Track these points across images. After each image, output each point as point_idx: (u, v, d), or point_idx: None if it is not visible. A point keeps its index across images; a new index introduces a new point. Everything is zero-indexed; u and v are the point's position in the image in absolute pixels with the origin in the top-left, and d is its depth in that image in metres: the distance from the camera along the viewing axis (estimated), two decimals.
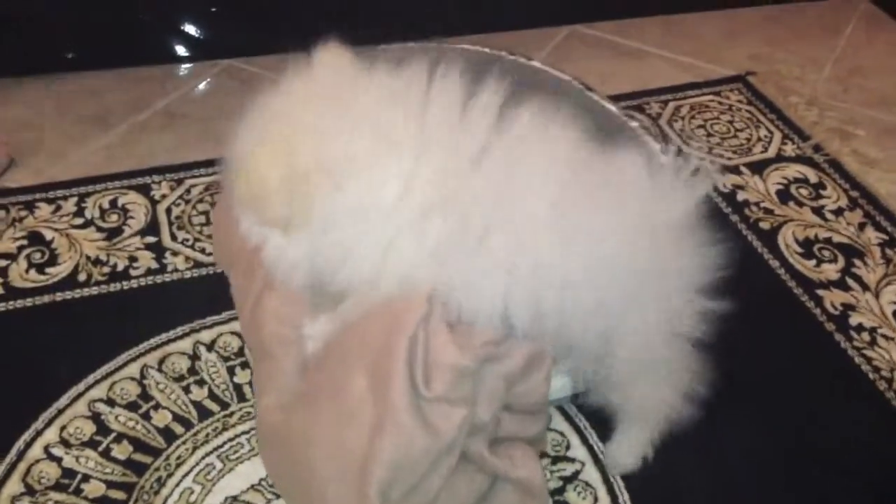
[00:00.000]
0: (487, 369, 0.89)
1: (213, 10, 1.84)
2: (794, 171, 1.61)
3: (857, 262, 1.42)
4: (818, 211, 1.52)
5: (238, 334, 1.22)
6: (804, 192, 1.56)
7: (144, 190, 1.49)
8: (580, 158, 0.91)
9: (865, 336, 1.29)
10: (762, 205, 1.53)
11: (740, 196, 1.54)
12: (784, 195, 1.55)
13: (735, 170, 1.61)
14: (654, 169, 0.94)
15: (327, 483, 0.87)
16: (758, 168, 1.62)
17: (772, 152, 1.66)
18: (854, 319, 1.32)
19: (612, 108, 1.20)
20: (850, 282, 1.38)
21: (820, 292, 1.36)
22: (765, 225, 1.48)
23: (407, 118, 0.89)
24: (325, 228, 0.88)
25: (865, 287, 1.37)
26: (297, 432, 0.92)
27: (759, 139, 1.69)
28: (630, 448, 1.07)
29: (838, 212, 1.52)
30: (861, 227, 1.49)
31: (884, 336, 1.29)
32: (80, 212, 1.44)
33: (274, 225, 0.90)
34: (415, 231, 0.87)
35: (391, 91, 0.91)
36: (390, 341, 0.86)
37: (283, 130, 0.87)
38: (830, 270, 1.40)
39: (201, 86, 1.80)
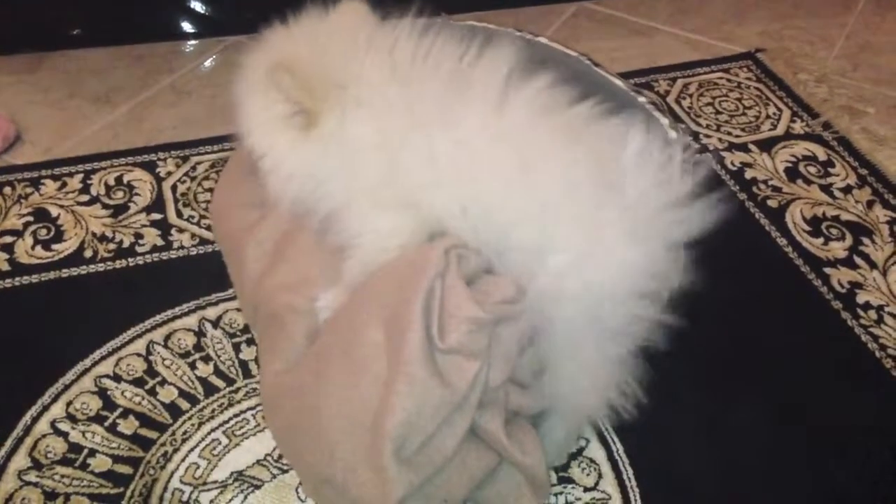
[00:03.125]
0: (502, 328, 0.88)
1: None
2: (802, 148, 1.60)
3: (864, 240, 1.41)
4: (826, 189, 1.51)
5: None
6: (812, 169, 1.55)
7: (150, 167, 1.49)
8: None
9: (872, 314, 1.29)
10: (770, 182, 1.52)
11: (748, 174, 1.53)
12: (792, 173, 1.54)
13: (743, 147, 1.60)
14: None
15: (337, 440, 0.87)
16: (766, 146, 1.60)
17: (780, 130, 1.65)
18: (861, 297, 1.31)
19: (620, 83, 1.19)
20: (858, 260, 1.38)
21: (827, 270, 1.35)
22: (773, 203, 1.47)
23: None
24: (327, 148, 0.94)
25: (873, 265, 1.37)
26: (305, 389, 0.92)
27: (768, 116, 1.68)
28: (551, 445, 1.02)
29: (847, 189, 1.51)
30: (869, 204, 1.48)
31: (891, 314, 1.29)
32: (85, 188, 1.44)
33: (294, 104, 0.94)
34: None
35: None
36: (407, 295, 0.86)
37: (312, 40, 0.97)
38: (838, 248, 1.39)
39: (207, 62, 1.79)
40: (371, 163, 0.92)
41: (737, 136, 1.63)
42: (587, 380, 0.93)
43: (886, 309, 1.29)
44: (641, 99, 1.16)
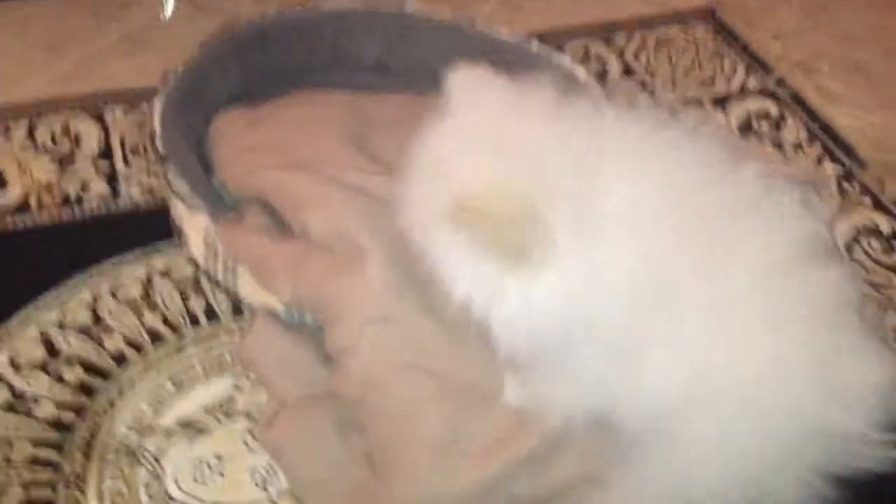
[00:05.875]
0: None
1: None
2: (756, 105, 1.61)
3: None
4: (778, 144, 1.52)
5: (191, 261, 1.19)
6: (765, 126, 1.56)
7: (98, 116, 1.47)
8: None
9: None
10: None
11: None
12: (746, 129, 1.55)
13: (698, 103, 1.60)
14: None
15: None
16: (721, 102, 1.61)
17: (735, 86, 1.66)
18: None
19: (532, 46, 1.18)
20: None
21: None
22: None
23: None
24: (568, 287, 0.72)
25: None
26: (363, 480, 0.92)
27: (723, 71, 1.69)
28: None
29: (797, 146, 1.52)
30: (819, 160, 1.50)
31: None
32: (31, 137, 1.42)
33: (510, 256, 0.71)
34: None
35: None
36: None
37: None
38: None
39: (165, 13, 1.75)
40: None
41: (692, 93, 1.63)
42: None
43: None
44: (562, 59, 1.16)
